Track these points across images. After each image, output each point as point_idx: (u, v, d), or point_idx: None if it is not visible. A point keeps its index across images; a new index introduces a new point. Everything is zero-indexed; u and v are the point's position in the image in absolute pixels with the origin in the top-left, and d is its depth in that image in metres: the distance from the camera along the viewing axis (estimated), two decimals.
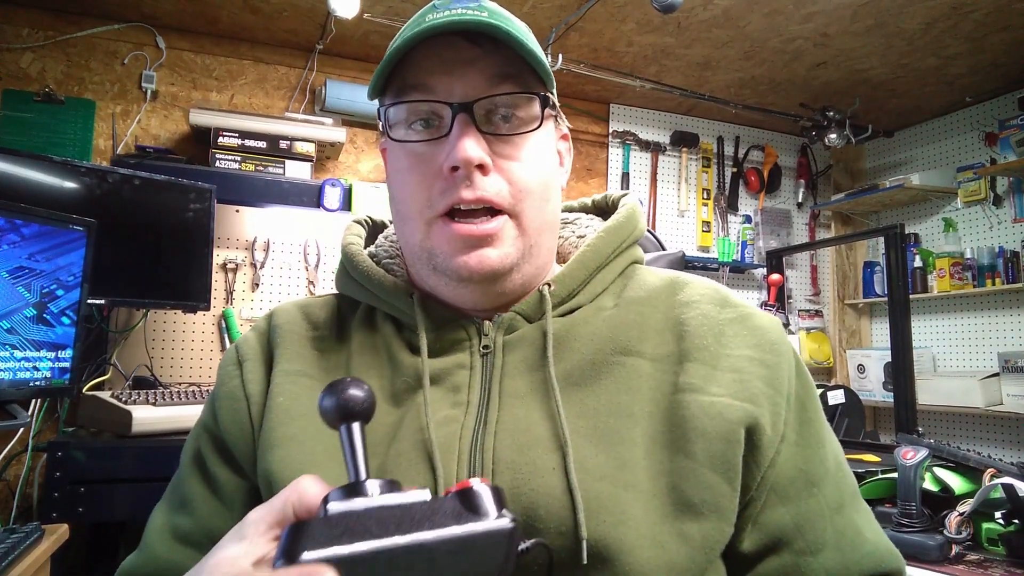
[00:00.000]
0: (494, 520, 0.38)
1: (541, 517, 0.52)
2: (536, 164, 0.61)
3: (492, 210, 0.59)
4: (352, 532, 0.37)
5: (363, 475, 0.41)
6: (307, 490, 0.41)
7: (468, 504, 0.39)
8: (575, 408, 0.57)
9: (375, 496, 0.39)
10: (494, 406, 0.58)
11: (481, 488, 0.39)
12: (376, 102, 0.64)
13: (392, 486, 0.40)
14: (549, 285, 0.63)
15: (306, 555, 0.36)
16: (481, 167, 0.57)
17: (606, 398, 0.57)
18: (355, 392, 0.43)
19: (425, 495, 0.39)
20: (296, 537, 0.37)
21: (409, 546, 0.37)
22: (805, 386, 0.62)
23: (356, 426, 0.43)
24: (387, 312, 0.66)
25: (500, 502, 0.39)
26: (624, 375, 0.58)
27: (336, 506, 0.38)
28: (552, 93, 0.63)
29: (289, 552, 0.36)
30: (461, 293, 0.61)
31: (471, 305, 0.63)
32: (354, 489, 0.39)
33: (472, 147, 0.56)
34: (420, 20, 0.60)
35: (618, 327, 0.61)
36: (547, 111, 0.62)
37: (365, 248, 0.73)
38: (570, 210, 0.78)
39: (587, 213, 0.77)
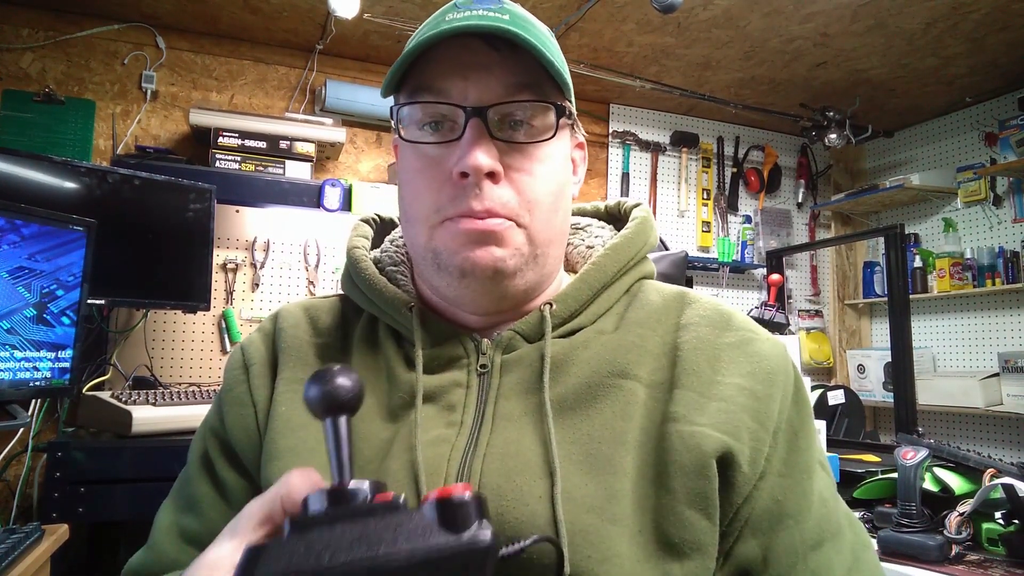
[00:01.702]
0: (468, 536, 0.36)
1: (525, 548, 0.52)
2: (547, 175, 0.59)
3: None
4: (311, 554, 0.35)
5: (347, 476, 0.39)
6: (295, 487, 0.40)
7: (445, 515, 0.36)
8: (568, 434, 0.56)
9: (351, 504, 0.37)
10: (486, 428, 0.57)
11: (460, 498, 0.36)
12: (381, 103, 0.63)
13: (377, 488, 0.38)
14: (551, 305, 0.62)
15: None
16: (491, 175, 0.56)
17: (600, 422, 0.56)
18: (343, 381, 0.41)
19: (401, 505, 0.37)
20: (250, 563, 0.35)
21: (371, 567, 0.34)
22: (801, 415, 0.60)
23: (342, 420, 0.41)
24: (388, 323, 0.65)
25: (480, 513, 0.37)
26: (621, 399, 0.57)
27: (302, 522, 0.36)
28: (570, 102, 0.61)
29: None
30: (463, 292, 0.60)
31: (472, 306, 0.62)
32: (335, 494, 0.38)
33: (483, 155, 0.55)
34: (440, 19, 0.58)
35: (616, 350, 0.60)
36: (563, 120, 0.60)
37: (372, 250, 0.72)
38: (582, 213, 0.76)
39: (598, 219, 0.75)
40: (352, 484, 0.38)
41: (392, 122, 0.61)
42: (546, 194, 0.59)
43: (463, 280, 0.58)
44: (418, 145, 0.59)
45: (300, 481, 0.41)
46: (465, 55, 0.57)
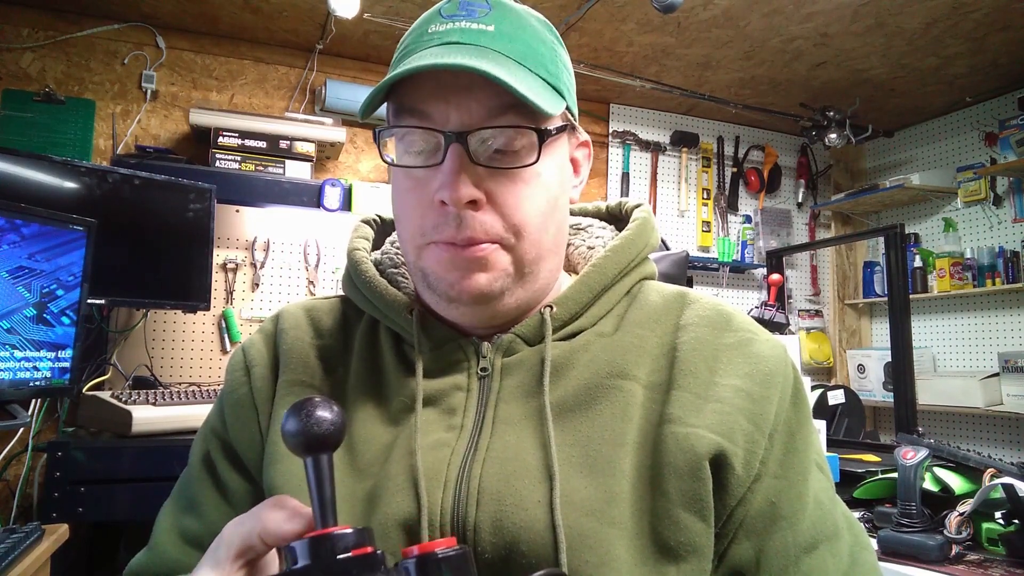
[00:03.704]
0: None
1: (523, 552, 0.51)
2: (534, 196, 0.57)
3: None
4: None
5: (330, 519, 0.38)
6: (270, 522, 0.40)
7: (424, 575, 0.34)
8: (568, 436, 0.56)
9: (329, 561, 0.36)
10: (486, 432, 0.57)
11: (442, 555, 0.34)
12: (359, 118, 0.62)
13: (362, 537, 0.36)
14: (551, 308, 0.61)
15: None
16: (473, 203, 0.55)
17: (600, 423, 0.56)
18: (323, 415, 0.38)
19: (379, 562, 0.36)
20: None
21: None
22: (799, 416, 0.59)
23: (324, 458, 0.38)
24: (388, 326, 0.65)
25: (464, 571, 0.35)
26: (621, 400, 0.57)
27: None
28: (569, 107, 0.60)
29: None
30: (453, 312, 0.60)
31: (466, 323, 0.62)
32: (317, 543, 0.36)
33: (462, 185, 0.54)
34: (423, 31, 0.57)
35: (616, 351, 0.60)
36: (551, 138, 0.57)
37: (373, 251, 0.72)
38: (583, 214, 0.75)
39: (599, 219, 0.75)
40: (338, 531, 0.36)
41: (375, 141, 0.60)
42: (534, 215, 0.57)
43: (451, 303, 0.58)
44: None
45: (275, 515, 0.40)
46: (446, 76, 0.55)
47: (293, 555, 0.37)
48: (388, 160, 0.59)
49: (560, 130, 0.59)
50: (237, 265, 2.38)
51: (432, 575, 0.34)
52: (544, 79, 0.57)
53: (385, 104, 0.60)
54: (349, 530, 0.36)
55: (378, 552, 0.36)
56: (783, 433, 0.57)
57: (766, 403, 0.57)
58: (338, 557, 0.35)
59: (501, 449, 0.55)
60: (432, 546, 0.35)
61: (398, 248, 0.71)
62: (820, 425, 1.56)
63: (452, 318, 0.62)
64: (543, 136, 0.56)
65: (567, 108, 0.60)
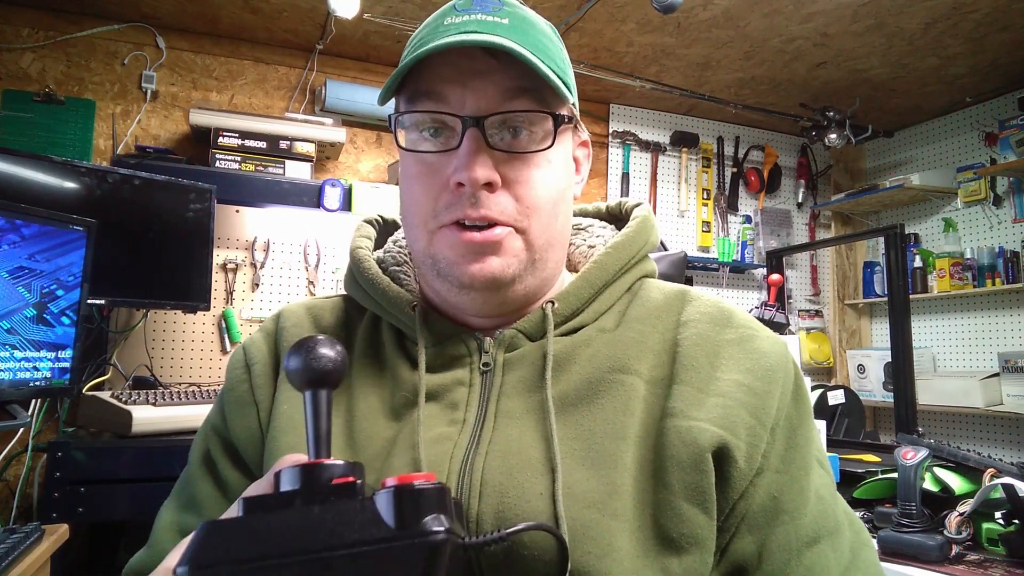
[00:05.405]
0: (418, 530, 0.34)
1: (525, 544, 0.51)
2: (546, 182, 0.59)
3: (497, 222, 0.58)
4: (255, 541, 0.34)
5: (323, 451, 0.39)
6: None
7: (399, 506, 0.34)
8: (570, 430, 0.56)
9: (309, 487, 0.36)
10: (489, 425, 0.57)
11: (418, 487, 0.35)
12: (377, 104, 0.63)
13: (348, 470, 0.37)
14: (553, 303, 0.62)
15: (179, 570, 0.34)
16: (488, 185, 0.56)
17: (602, 417, 0.56)
18: (325, 352, 0.40)
19: (357, 491, 0.36)
20: (203, 539, 0.34)
21: (310, 560, 0.33)
22: (800, 412, 0.60)
23: (323, 394, 0.40)
24: (391, 322, 0.66)
25: (440, 505, 0.35)
26: (622, 394, 0.57)
27: (255, 503, 0.36)
28: (573, 103, 0.62)
29: (182, 559, 0.34)
30: (463, 299, 0.61)
31: (473, 312, 0.63)
32: (308, 471, 0.37)
33: (480, 167, 0.55)
34: (439, 23, 0.59)
35: (617, 346, 0.60)
36: (563, 126, 0.59)
37: (375, 250, 0.73)
38: (583, 214, 0.76)
39: (600, 219, 0.76)
40: (328, 462, 0.37)
41: (391, 127, 0.61)
42: (545, 200, 0.59)
43: (463, 290, 0.59)
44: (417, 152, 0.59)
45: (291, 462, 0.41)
46: (463, 61, 0.57)
47: (280, 480, 0.38)
48: (401, 145, 0.60)
49: (569, 120, 0.61)
50: (237, 265, 2.38)
51: (407, 505, 0.34)
52: (555, 71, 0.59)
53: (393, 98, 0.61)
54: (339, 462, 0.38)
55: (359, 482, 0.37)
56: (785, 428, 0.58)
57: (768, 398, 0.57)
58: (321, 484, 0.37)
59: (503, 442, 0.56)
60: (410, 478, 0.35)
61: (400, 247, 0.72)
62: (820, 425, 1.56)
63: (461, 306, 0.62)
64: (558, 121, 0.58)
65: (566, 115, 0.61)
